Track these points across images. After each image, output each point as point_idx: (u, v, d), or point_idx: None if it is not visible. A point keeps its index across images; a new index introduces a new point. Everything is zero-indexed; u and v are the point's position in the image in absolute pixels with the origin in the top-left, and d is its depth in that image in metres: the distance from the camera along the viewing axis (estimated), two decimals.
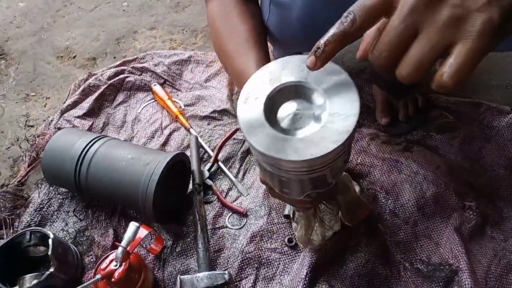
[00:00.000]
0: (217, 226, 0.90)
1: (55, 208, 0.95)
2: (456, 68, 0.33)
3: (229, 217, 0.91)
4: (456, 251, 0.78)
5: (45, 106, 1.22)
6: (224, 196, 0.95)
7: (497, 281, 0.77)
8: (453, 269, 0.78)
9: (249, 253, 0.85)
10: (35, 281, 0.76)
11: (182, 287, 0.77)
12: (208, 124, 1.08)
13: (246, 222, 0.90)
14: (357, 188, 0.88)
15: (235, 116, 1.09)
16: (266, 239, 0.87)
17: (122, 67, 1.21)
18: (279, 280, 0.82)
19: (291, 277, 0.81)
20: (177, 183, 0.94)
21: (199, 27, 1.39)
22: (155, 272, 0.85)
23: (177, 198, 0.94)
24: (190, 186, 0.94)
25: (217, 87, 1.16)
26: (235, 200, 0.94)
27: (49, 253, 0.76)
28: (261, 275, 0.83)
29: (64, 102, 1.15)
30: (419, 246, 0.83)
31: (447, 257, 0.80)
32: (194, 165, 0.95)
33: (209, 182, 0.97)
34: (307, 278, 0.78)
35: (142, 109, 1.13)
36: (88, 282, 0.71)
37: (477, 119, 1.00)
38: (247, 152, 1.02)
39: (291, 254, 0.85)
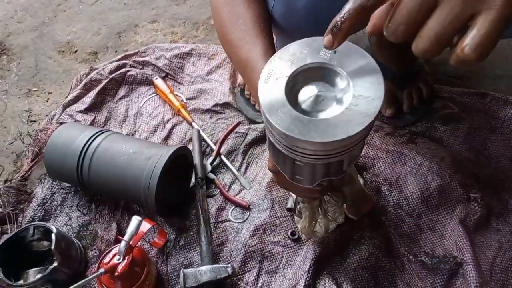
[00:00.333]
0: (220, 219, 0.90)
1: (59, 202, 0.96)
2: (480, 39, 0.31)
3: (232, 211, 0.91)
4: (460, 243, 0.78)
5: (47, 101, 1.21)
6: (226, 189, 0.94)
7: (502, 273, 0.77)
8: (457, 261, 0.77)
9: (252, 246, 0.85)
10: (39, 275, 0.76)
11: (185, 281, 0.77)
12: (210, 118, 1.08)
13: (249, 216, 0.90)
14: (361, 181, 0.88)
15: (237, 109, 1.08)
16: (269, 232, 0.87)
17: (124, 61, 1.21)
18: (282, 273, 0.82)
19: (294, 270, 0.81)
20: (180, 177, 0.94)
21: (201, 19, 1.38)
22: (158, 266, 0.85)
23: (180, 192, 0.94)
24: (193, 180, 0.94)
25: (219, 80, 1.15)
26: (238, 194, 0.94)
27: (53, 247, 0.76)
28: (264, 268, 0.83)
29: (66, 97, 1.15)
30: (423, 238, 0.82)
31: (451, 249, 0.79)
32: (196, 159, 0.95)
33: (211, 175, 0.96)
34: (310, 271, 0.78)
35: (144, 103, 1.13)
36: (91, 276, 0.71)
37: (482, 110, 0.98)
38: (250, 145, 1.01)
39: (294, 247, 0.84)
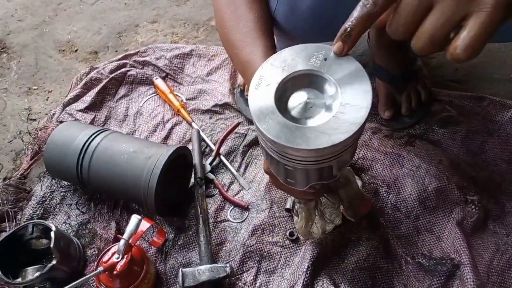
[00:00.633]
0: (218, 219, 0.90)
1: (58, 201, 0.96)
2: (469, 41, 0.34)
3: (230, 211, 0.91)
4: (458, 245, 0.78)
5: (47, 100, 1.22)
6: (225, 189, 0.95)
7: (499, 276, 0.77)
8: (455, 263, 0.77)
9: (251, 246, 0.85)
10: (37, 274, 0.76)
11: (184, 280, 0.77)
12: (210, 118, 1.08)
13: (247, 216, 0.90)
14: (359, 183, 0.88)
15: (237, 110, 1.09)
16: (268, 233, 0.87)
17: (124, 61, 1.21)
18: (281, 273, 0.82)
19: (293, 271, 0.81)
20: (179, 177, 0.94)
21: (201, 20, 1.38)
22: (157, 265, 0.85)
23: (179, 192, 0.95)
24: (192, 179, 0.94)
25: (219, 81, 1.16)
26: (237, 194, 0.94)
27: (51, 245, 0.77)
28: (262, 268, 0.83)
29: (66, 96, 1.15)
30: (420, 240, 0.83)
31: (449, 251, 0.80)
32: (196, 159, 0.95)
33: (211, 176, 0.97)
34: (308, 272, 0.78)
35: (144, 102, 1.13)
36: (90, 275, 0.71)
37: (480, 113, 0.99)
38: (249, 146, 1.02)
39: (293, 247, 0.85)
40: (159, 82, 1.13)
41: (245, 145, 1.01)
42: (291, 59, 0.47)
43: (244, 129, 1.04)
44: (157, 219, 0.91)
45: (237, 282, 0.82)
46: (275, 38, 0.89)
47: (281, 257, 0.84)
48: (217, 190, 0.95)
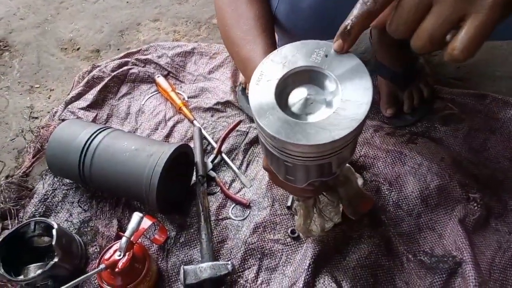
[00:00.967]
0: (220, 217, 0.91)
1: (60, 199, 0.96)
2: (467, 42, 0.34)
3: (232, 208, 0.91)
4: (459, 243, 0.78)
5: (49, 98, 1.22)
6: (227, 187, 0.95)
7: (501, 273, 0.77)
8: (456, 261, 0.77)
9: (252, 244, 0.85)
10: (39, 271, 0.76)
11: (185, 277, 0.77)
12: (212, 116, 1.08)
13: (249, 214, 0.90)
14: (360, 181, 0.88)
15: (238, 108, 1.09)
16: (269, 230, 0.87)
17: (126, 59, 1.21)
18: (282, 271, 0.82)
19: (294, 268, 0.81)
20: (181, 175, 0.94)
21: (203, 18, 1.38)
22: (159, 263, 0.85)
23: (181, 190, 0.95)
24: (194, 177, 0.95)
25: (221, 79, 1.16)
26: (238, 192, 0.94)
27: (53, 243, 0.77)
28: (264, 266, 0.83)
29: (68, 94, 1.15)
30: (422, 237, 0.83)
31: (450, 249, 0.79)
32: (197, 157, 0.96)
33: (212, 173, 0.97)
34: (309, 269, 0.78)
35: (146, 101, 1.13)
36: (92, 272, 0.71)
37: (482, 111, 0.99)
38: (251, 144, 1.02)
39: (294, 245, 0.85)
40: (161, 80, 1.13)
41: (247, 143, 1.01)
42: (291, 55, 0.47)
43: (245, 127, 1.04)
44: (158, 216, 0.91)
45: (239, 279, 0.82)
46: (277, 37, 0.89)
47: (282, 254, 0.84)
48: (219, 188, 0.95)
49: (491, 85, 1.06)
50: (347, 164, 0.79)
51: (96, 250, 0.88)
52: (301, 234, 0.84)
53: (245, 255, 0.84)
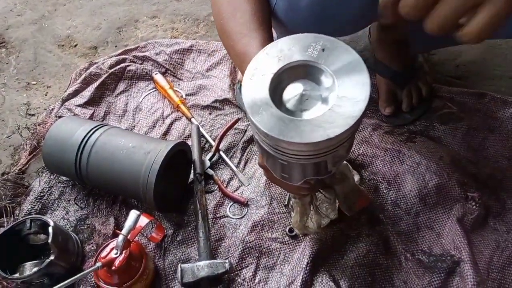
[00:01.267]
0: (218, 215, 0.90)
1: (56, 196, 0.95)
2: (482, 27, 0.35)
3: (230, 207, 0.91)
4: (458, 242, 0.78)
5: (46, 95, 1.21)
6: (225, 185, 0.94)
7: (499, 272, 0.77)
8: (455, 260, 0.77)
9: (250, 242, 0.85)
10: (35, 269, 0.76)
11: (182, 276, 0.77)
12: (210, 114, 1.08)
13: (247, 212, 0.90)
14: (356, 177, 0.88)
15: (236, 106, 1.08)
16: (267, 229, 0.86)
17: (123, 56, 1.20)
18: (280, 270, 0.82)
19: (292, 267, 0.81)
20: (179, 173, 0.94)
21: (201, 16, 1.37)
22: (156, 261, 0.85)
23: (178, 188, 0.94)
24: (191, 175, 0.94)
25: (219, 76, 1.15)
26: (236, 190, 0.94)
27: (50, 241, 0.76)
28: (261, 264, 0.83)
29: (65, 91, 1.14)
30: (420, 236, 0.82)
31: (449, 248, 0.79)
32: (195, 155, 0.95)
33: (210, 171, 0.96)
34: (307, 268, 0.78)
35: (143, 98, 1.13)
36: (88, 270, 0.71)
37: (481, 110, 0.99)
38: (249, 142, 1.01)
39: (292, 243, 0.84)
40: (158, 77, 1.13)
41: (245, 141, 1.01)
42: (287, 49, 0.46)
43: (243, 125, 1.03)
44: (156, 214, 0.90)
45: (236, 278, 0.81)
46: (275, 34, 0.88)
47: (280, 253, 0.84)
48: (217, 186, 0.94)
49: (490, 84, 1.06)
50: (344, 162, 0.79)
51: (92, 248, 0.88)
52: (297, 231, 0.83)
53: (243, 253, 0.84)
